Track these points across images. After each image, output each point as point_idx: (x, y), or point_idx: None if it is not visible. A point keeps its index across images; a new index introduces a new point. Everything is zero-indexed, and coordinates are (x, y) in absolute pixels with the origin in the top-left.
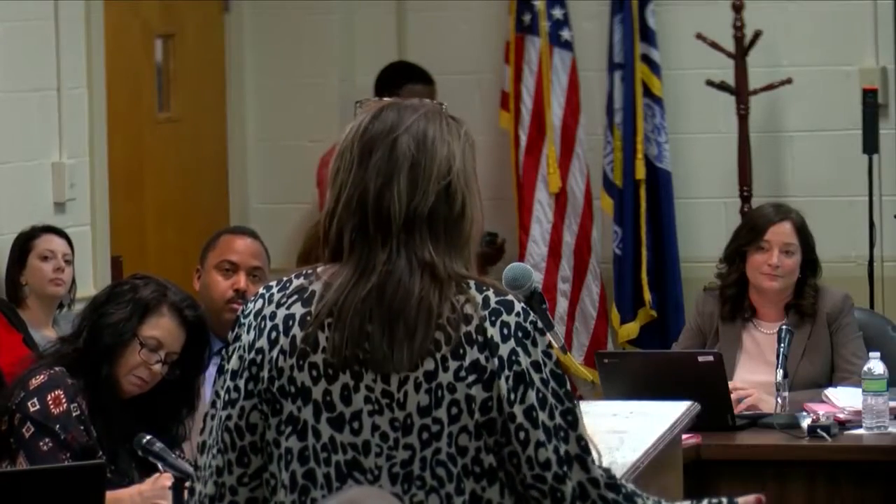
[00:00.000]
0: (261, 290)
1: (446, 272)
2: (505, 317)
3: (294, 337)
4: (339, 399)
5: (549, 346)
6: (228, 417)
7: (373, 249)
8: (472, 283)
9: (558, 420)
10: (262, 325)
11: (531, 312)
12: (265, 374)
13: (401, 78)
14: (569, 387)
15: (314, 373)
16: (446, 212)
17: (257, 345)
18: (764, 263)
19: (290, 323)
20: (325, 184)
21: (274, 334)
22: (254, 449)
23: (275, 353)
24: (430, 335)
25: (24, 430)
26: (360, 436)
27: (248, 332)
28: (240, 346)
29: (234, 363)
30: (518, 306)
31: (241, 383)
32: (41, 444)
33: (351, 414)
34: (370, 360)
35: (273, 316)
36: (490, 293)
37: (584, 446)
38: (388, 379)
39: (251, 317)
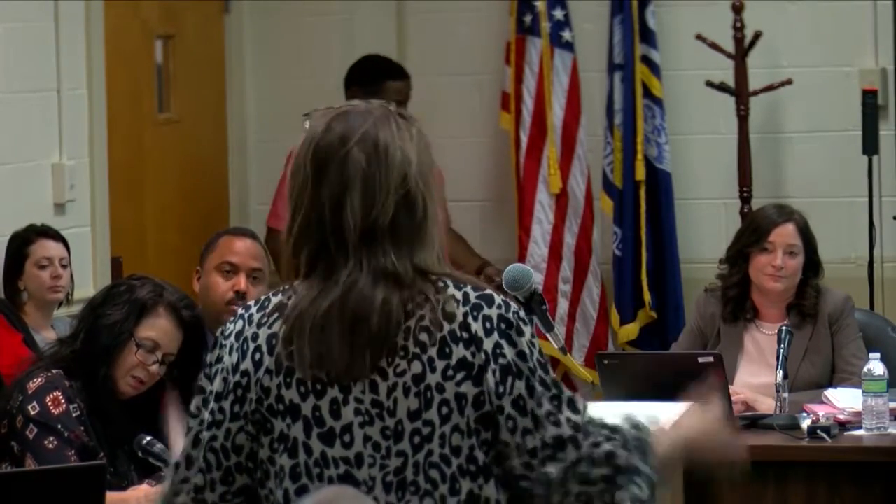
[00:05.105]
0: (239, 311)
1: (412, 276)
2: (486, 311)
3: (279, 355)
4: (329, 414)
5: (533, 334)
6: (213, 438)
7: (336, 265)
8: (449, 281)
9: (547, 406)
10: (245, 347)
11: (511, 304)
12: (252, 395)
13: (378, 74)
14: (553, 373)
15: (302, 389)
16: (408, 220)
17: (241, 367)
18: (768, 265)
19: (274, 342)
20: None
21: (258, 355)
22: (239, 468)
23: (261, 373)
24: (392, 340)
25: (27, 432)
26: (351, 448)
27: (231, 353)
28: (222, 368)
29: (217, 385)
30: (498, 299)
31: (227, 405)
32: (46, 442)
33: (341, 428)
34: (334, 371)
35: (255, 337)
36: (469, 289)
37: (574, 425)
38: (377, 388)
39: (232, 338)
